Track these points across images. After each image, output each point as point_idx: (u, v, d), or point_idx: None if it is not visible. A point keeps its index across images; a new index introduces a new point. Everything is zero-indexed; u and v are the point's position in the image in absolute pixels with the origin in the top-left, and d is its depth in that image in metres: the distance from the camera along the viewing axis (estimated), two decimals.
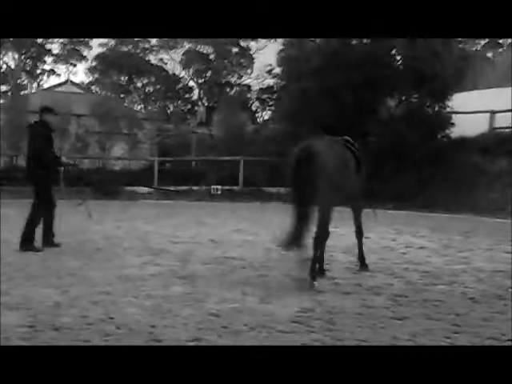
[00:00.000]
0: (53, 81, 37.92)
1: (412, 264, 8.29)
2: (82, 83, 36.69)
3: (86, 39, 34.77)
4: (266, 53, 33.50)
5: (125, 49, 35.35)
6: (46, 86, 37.27)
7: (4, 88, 35.21)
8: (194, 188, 23.56)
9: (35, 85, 38.06)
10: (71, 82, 35.34)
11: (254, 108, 37.54)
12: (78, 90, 33.39)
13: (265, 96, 36.39)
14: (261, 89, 36.41)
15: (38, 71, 37.94)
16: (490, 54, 32.89)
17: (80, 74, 39.10)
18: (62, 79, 36.83)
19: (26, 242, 8.94)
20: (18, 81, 36.14)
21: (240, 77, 37.05)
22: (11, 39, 29.18)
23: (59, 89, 33.01)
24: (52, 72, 38.44)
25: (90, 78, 37.08)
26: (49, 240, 9.22)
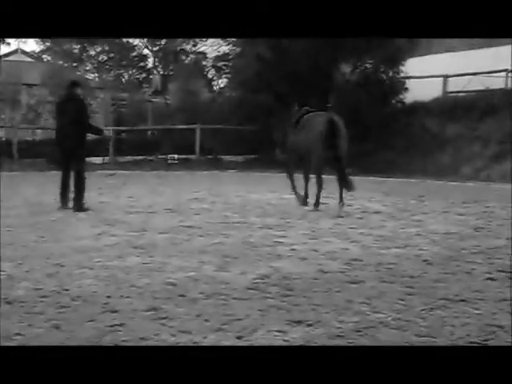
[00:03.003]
0: (2, 50, 36.89)
1: (367, 228, 8.39)
2: (33, 52, 35.77)
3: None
4: None
5: None
6: None
7: None
8: (151, 157, 23.37)
9: None
10: (22, 50, 34.44)
11: (210, 76, 37.17)
12: (29, 59, 32.58)
13: (221, 63, 36.03)
14: (216, 56, 36.01)
15: None
16: None
17: (30, 42, 38.02)
18: (12, 48, 35.87)
19: (61, 203, 10.35)
20: None
21: (195, 44, 36.57)
22: None
23: (9, 58, 32.15)
24: (2, 41, 37.35)
25: (42, 47, 36.13)
26: (78, 204, 10.21)
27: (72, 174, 10.53)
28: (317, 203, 10.37)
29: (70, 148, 10.40)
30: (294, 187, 11.29)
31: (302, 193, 11.02)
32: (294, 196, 11.25)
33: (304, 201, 10.93)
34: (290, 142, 11.17)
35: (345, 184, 10.07)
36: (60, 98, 11.27)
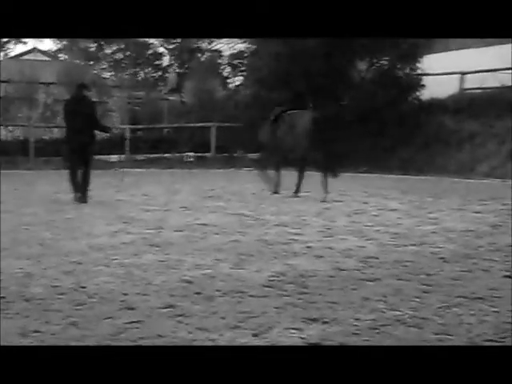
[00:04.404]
0: (19, 49, 37.14)
1: (383, 226, 8.36)
2: (50, 51, 35.97)
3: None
4: None
5: None
6: (12, 54, 36.46)
7: None
8: (166, 155, 23.42)
9: (1, 53, 37.19)
10: (38, 49, 34.64)
11: (225, 73, 37.16)
12: (46, 58, 32.76)
13: (236, 61, 36.01)
14: (232, 54, 35.99)
15: (4, 39, 37.02)
16: None
17: (47, 41, 38.22)
18: (29, 47, 36.09)
19: (76, 198, 10.91)
20: None
21: (210, 42, 36.58)
22: None
23: (26, 57, 32.36)
24: (18, 40, 37.54)
25: (58, 46, 36.34)
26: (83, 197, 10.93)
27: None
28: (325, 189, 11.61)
29: (82, 145, 10.98)
30: (267, 180, 12.87)
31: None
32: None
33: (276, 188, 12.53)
34: (269, 140, 12.75)
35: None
36: (69, 98, 12.02)
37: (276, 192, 12.47)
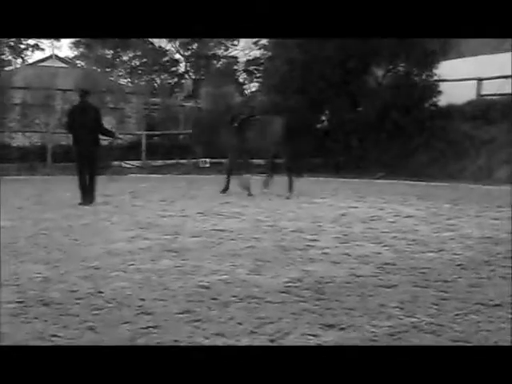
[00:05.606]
0: (37, 56, 37.47)
1: (400, 232, 8.32)
2: (67, 57, 36.27)
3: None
4: None
5: None
6: (30, 61, 36.80)
7: None
8: (182, 161, 23.50)
9: (19, 60, 37.56)
10: (56, 56, 34.93)
11: (241, 80, 37.29)
12: (63, 65, 33.02)
13: (252, 67, 36.13)
14: (248, 60, 36.11)
15: (22, 46, 37.40)
16: None
17: (65, 48, 38.68)
18: (47, 54, 36.40)
19: (83, 201, 11.46)
20: (2, 56, 35.65)
21: (226, 49, 36.75)
22: None
23: (44, 64, 32.62)
24: (36, 47, 37.91)
25: (75, 52, 36.69)
26: (90, 198, 11.54)
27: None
28: (291, 189, 13.15)
29: (88, 151, 11.47)
30: (228, 183, 14.04)
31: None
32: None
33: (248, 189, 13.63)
34: (234, 144, 13.98)
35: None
36: (74, 106, 12.41)
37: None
